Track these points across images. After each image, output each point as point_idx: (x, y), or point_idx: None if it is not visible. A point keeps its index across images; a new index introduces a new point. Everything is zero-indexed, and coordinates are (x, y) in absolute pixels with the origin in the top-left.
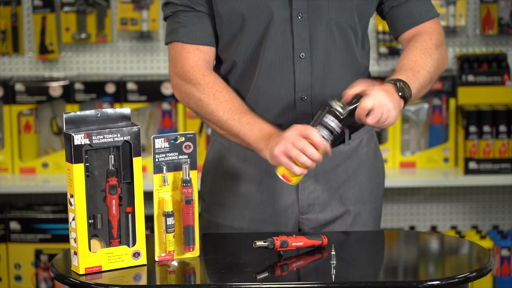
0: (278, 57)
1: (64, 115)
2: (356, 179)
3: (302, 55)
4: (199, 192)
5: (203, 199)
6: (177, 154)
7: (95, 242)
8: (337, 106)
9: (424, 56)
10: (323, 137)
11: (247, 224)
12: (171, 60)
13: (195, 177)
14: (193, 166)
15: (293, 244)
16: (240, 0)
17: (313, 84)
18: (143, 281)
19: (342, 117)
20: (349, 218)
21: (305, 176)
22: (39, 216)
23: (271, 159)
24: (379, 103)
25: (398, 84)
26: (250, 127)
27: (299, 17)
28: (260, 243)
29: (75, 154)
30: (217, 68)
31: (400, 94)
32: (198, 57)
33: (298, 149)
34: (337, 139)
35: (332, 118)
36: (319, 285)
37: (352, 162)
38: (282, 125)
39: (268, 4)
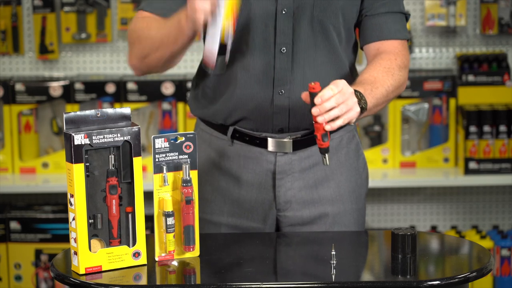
0: (259, 50)
1: (64, 115)
2: (334, 179)
3: (283, 50)
4: None
5: None
6: (177, 154)
7: (95, 242)
8: None
9: (386, 74)
10: None
11: (225, 218)
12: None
13: (195, 177)
14: (193, 166)
15: None
16: None
17: (292, 80)
18: (143, 281)
19: None
20: (327, 218)
21: (282, 173)
22: (39, 216)
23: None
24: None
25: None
26: (173, 23)
27: (284, 12)
28: None
29: (75, 154)
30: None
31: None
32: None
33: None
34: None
35: None
36: (319, 285)
37: (330, 162)
38: (259, 118)
39: None
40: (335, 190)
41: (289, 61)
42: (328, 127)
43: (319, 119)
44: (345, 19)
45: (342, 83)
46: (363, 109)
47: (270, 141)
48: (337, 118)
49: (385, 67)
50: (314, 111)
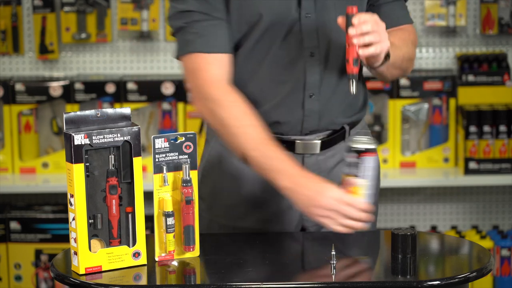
0: (289, 57)
1: (64, 115)
2: None
3: (313, 54)
4: (198, 193)
5: (203, 200)
6: (177, 154)
7: (95, 242)
8: (358, 144)
9: (402, 42)
10: (351, 174)
11: (251, 223)
12: (189, 73)
13: (195, 177)
14: (193, 166)
15: None
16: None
17: (322, 82)
18: (143, 281)
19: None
20: None
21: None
22: (39, 216)
23: (299, 207)
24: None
25: None
26: (273, 162)
27: (307, 17)
28: None
29: (75, 154)
30: None
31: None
32: (219, 68)
33: (342, 216)
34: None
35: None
36: (319, 285)
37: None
38: (289, 122)
39: (281, 4)
40: None
41: (318, 64)
42: (361, 52)
43: (355, 41)
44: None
45: (376, 15)
46: (388, 56)
47: (298, 143)
48: (370, 45)
49: (400, 37)
50: (351, 30)
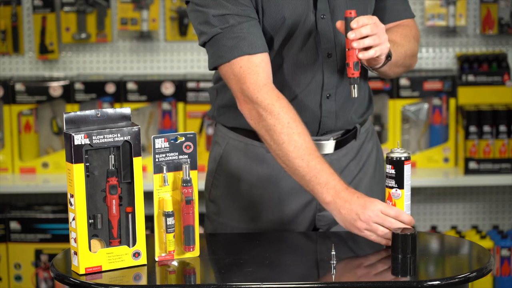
0: (307, 58)
1: (64, 115)
2: (366, 171)
3: (330, 55)
4: (208, 195)
5: (214, 203)
6: (177, 154)
7: (95, 242)
8: (395, 153)
9: (404, 39)
10: (393, 186)
11: (265, 225)
12: (234, 78)
13: (195, 177)
14: (193, 166)
15: None
16: (280, 2)
17: (339, 83)
18: (143, 281)
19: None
20: None
21: None
22: (39, 216)
23: (342, 222)
24: (376, 22)
25: None
26: (317, 174)
27: (322, 18)
28: None
29: (75, 154)
30: None
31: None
32: (264, 71)
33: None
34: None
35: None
36: (319, 285)
37: (361, 156)
38: (307, 123)
39: (300, 7)
40: (368, 181)
41: (335, 65)
42: (361, 55)
43: (354, 44)
44: (371, 10)
45: (375, 17)
46: (389, 56)
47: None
48: (370, 48)
49: (402, 33)
50: (350, 34)
